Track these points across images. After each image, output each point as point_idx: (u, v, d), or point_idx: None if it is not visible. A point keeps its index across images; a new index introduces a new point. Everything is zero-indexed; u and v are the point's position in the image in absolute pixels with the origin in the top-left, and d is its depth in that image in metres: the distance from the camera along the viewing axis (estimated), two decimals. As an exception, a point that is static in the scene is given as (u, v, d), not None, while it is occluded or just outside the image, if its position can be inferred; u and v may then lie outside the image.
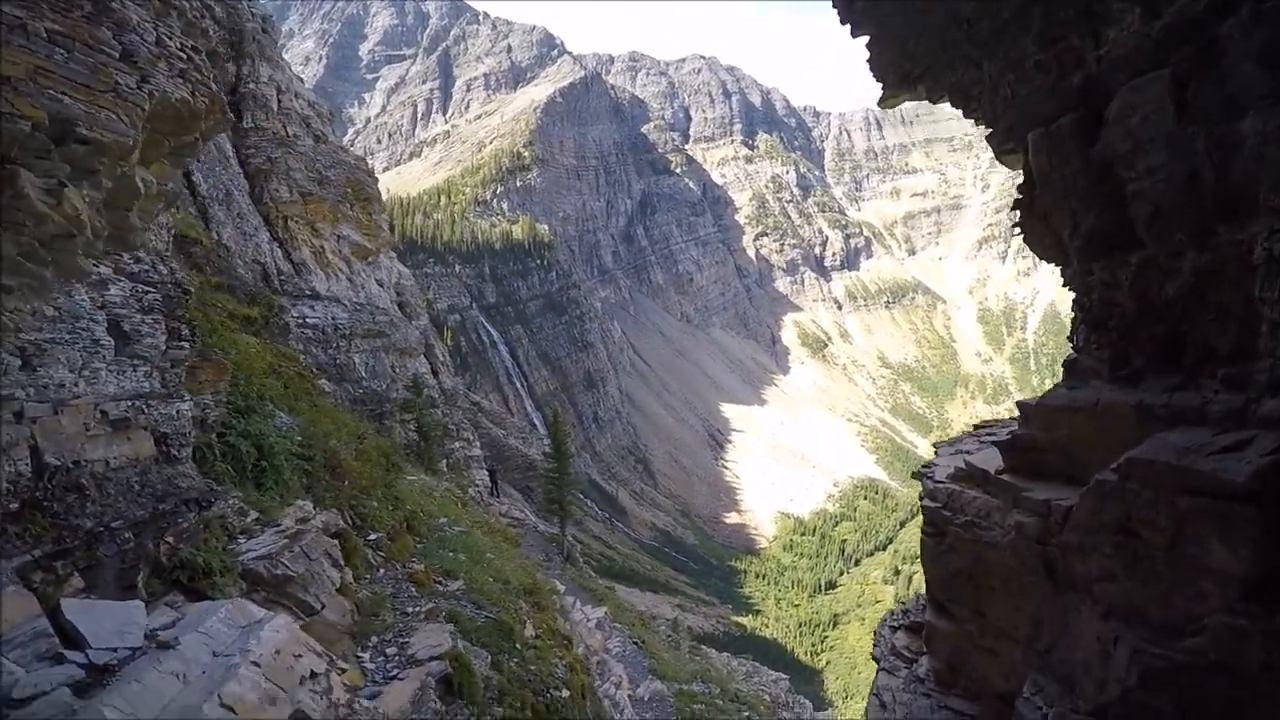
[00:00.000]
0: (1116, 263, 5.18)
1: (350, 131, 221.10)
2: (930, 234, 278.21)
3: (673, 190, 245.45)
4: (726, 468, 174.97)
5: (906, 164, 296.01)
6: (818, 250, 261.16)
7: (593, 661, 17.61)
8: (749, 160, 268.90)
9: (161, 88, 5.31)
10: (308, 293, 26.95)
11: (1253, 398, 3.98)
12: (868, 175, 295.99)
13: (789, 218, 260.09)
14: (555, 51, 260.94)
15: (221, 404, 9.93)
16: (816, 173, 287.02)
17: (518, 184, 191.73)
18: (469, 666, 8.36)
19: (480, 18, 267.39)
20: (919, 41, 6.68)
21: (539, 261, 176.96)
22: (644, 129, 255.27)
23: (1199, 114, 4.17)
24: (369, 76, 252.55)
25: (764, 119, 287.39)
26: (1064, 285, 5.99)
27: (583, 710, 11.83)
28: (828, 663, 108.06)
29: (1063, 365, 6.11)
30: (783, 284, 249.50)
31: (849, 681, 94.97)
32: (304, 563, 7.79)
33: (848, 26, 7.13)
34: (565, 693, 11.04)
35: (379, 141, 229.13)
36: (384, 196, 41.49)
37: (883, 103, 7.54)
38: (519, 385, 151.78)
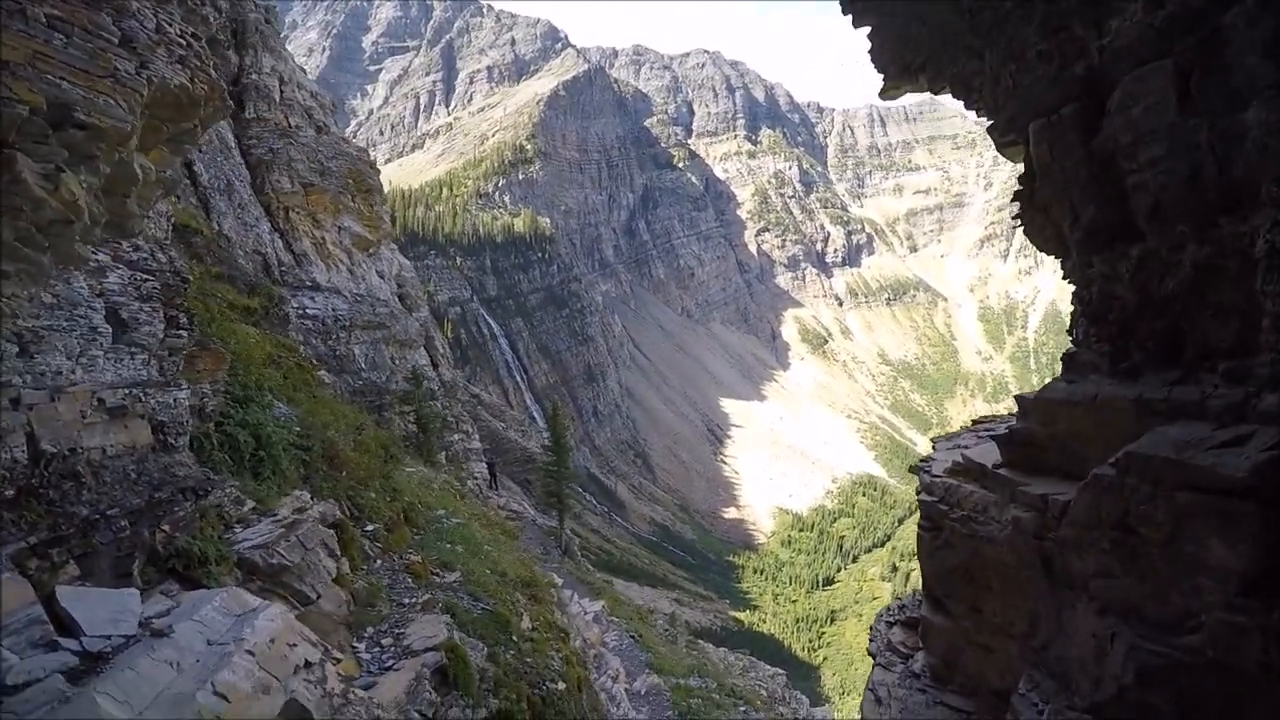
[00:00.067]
0: (1117, 255, 5.14)
1: (353, 123, 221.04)
2: (932, 231, 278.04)
3: (675, 185, 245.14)
4: (725, 463, 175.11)
5: (909, 161, 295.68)
6: (819, 246, 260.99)
7: (590, 655, 17.62)
8: (752, 155, 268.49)
9: (160, 74, 5.28)
10: (308, 284, 26.91)
11: (1253, 392, 3.95)
12: (870, 172, 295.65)
13: (791, 213, 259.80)
14: (559, 44, 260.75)
15: (219, 393, 9.92)
16: (819, 169, 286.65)
17: (520, 177, 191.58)
18: (464, 658, 8.36)
19: (484, 10, 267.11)
20: (920, 31, 6.64)
21: (540, 255, 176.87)
22: (647, 123, 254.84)
23: (1202, 105, 4.14)
24: (372, 68, 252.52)
25: (767, 114, 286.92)
26: (1064, 278, 5.95)
27: (579, 703, 11.84)
28: (825, 659, 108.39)
29: (1062, 359, 6.08)
30: (784, 280, 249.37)
31: (846, 677, 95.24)
32: (300, 552, 7.79)
33: (849, 18, 7.10)
34: (561, 685, 11.05)
35: (381, 133, 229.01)
36: (386, 188, 41.41)
37: (884, 94, 7.50)
38: (519, 378, 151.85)
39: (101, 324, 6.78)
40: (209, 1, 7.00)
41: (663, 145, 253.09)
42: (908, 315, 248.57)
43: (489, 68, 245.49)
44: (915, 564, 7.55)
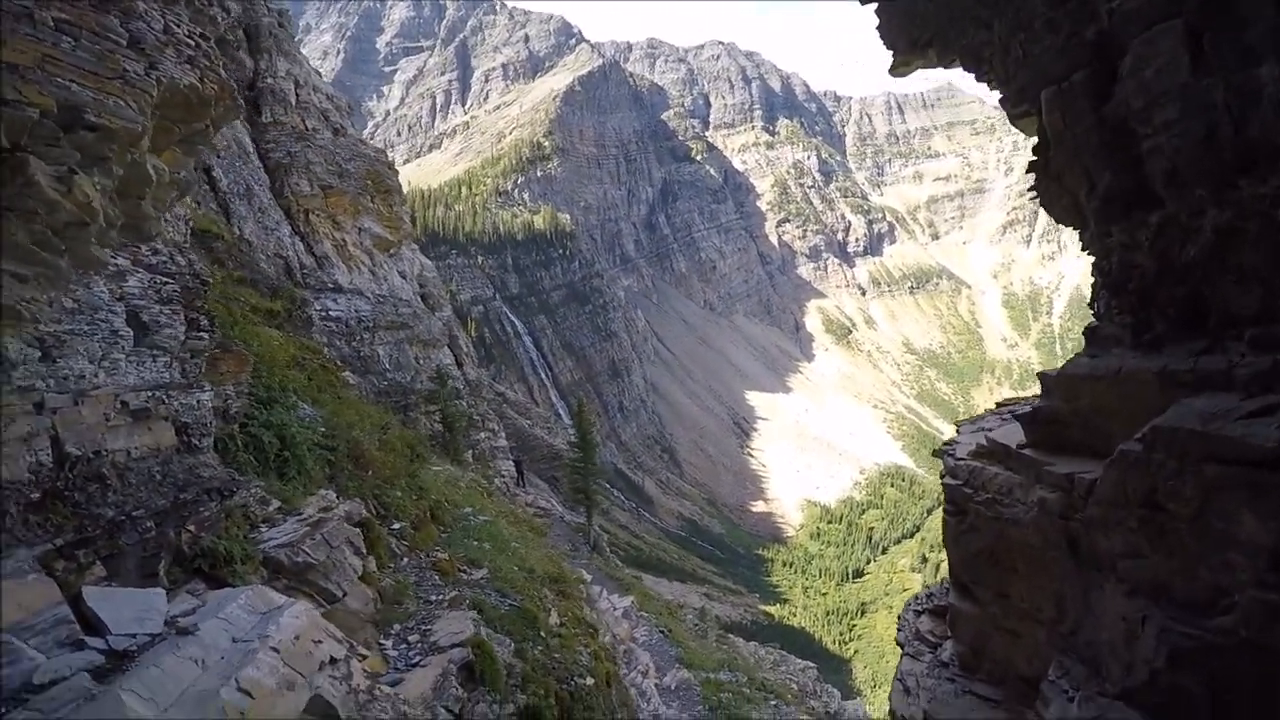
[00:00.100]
0: (1135, 223, 5.00)
1: (369, 125, 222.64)
2: (953, 218, 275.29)
3: (694, 178, 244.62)
4: (752, 456, 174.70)
5: (928, 148, 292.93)
6: (840, 236, 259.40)
7: (619, 650, 17.63)
8: (770, 146, 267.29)
9: (169, 74, 5.30)
10: (330, 286, 27.11)
11: (1281, 359, 3.82)
12: (889, 160, 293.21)
13: (811, 203, 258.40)
14: (573, 40, 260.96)
15: (243, 395, 10.00)
16: (838, 158, 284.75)
17: (538, 174, 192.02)
18: (491, 653, 8.36)
19: (497, 7, 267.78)
20: (927, 5, 6.50)
21: (561, 251, 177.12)
22: (664, 116, 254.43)
23: (1215, 63, 4.00)
24: (387, 69, 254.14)
25: (784, 104, 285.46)
26: (1083, 249, 5.81)
27: (607, 698, 11.83)
28: (856, 651, 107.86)
29: (1084, 333, 5.93)
30: (806, 270, 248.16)
31: (877, 670, 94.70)
32: (325, 550, 7.82)
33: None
34: (590, 680, 11.03)
35: (398, 134, 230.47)
36: (405, 189, 41.60)
37: (894, 70, 7.36)
38: (543, 375, 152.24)
39: (123, 327, 6.83)
40: (217, 2, 7.02)
41: (680, 138, 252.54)
42: (931, 303, 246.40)
43: (504, 65, 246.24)
44: (945, 554, 7.43)
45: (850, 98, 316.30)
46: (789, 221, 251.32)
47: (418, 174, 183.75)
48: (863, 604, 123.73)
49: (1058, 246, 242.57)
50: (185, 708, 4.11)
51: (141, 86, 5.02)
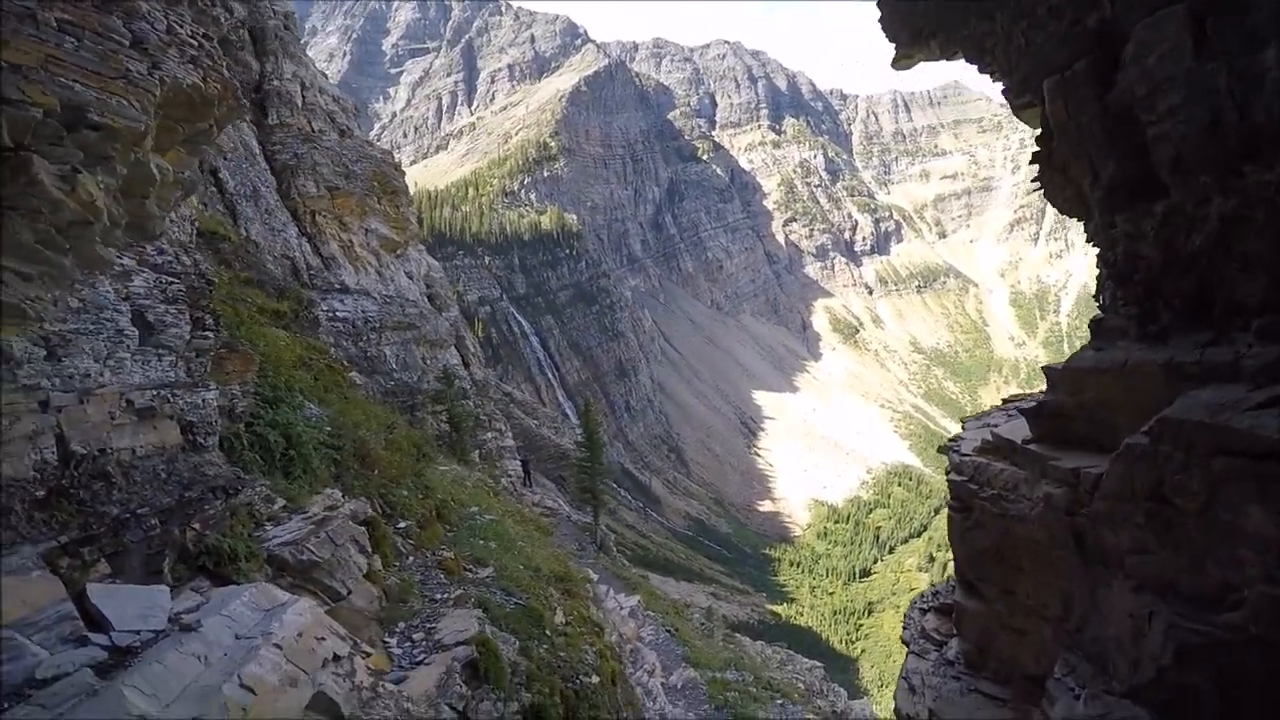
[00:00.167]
0: (1140, 213, 4.94)
1: (376, 126, 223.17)
2: (960, 217, 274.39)
3: (700, 177, 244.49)
4: (759, 455, 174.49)
5: (935, 146, 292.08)
6: (847, 235, 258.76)
7: (626, 649, 17.64)
8: (776, 145, 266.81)
9: (172, 74, 5.32)
10: (337, 286, 27.20)
11: (1288, 349, 3.78)
12: (896, 158, 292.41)
13: (818, 202, 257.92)
14: (579, 40, 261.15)
15: (249, 394, 10.04)
16: (844, 156, 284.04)
17: (545, 174, 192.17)
18: (496, 651, 8.37)
19: (502, 8, 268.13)
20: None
21: (568, 251, 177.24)
22: (670, 116, 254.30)
23: (1219, 48, 3.95)
24: (393, 71, 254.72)
25: (790, 103, 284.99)
26: (1087, 240, 5.76)
27: (613, 696, 11.83)
28: (863, 651, 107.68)
29: (1089, 325, 5.89)
30: (813, 269, 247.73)
31: (884, 669, 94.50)
32: (330, 548, 7.84)
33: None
34: (595, 679, 11.03)
35: (405, 135, 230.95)
36: (411, 190, 41.71)
37: (896, 63, 7.33)
38: (550, 375, 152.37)
39: (128, 327, 6.87)
40: (219, 3, 7.05)
41: (686, 138, 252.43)
42: (938, 302, 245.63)
43: (510, 66, 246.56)
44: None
45: (857, 96, 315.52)
46: (796, 221, 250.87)
47: (424, 175, 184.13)
48: (870, 603, 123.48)
49: (1065, 244, 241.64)
50: (187, 704, 4.12)
51: (144, 86, 5.04)
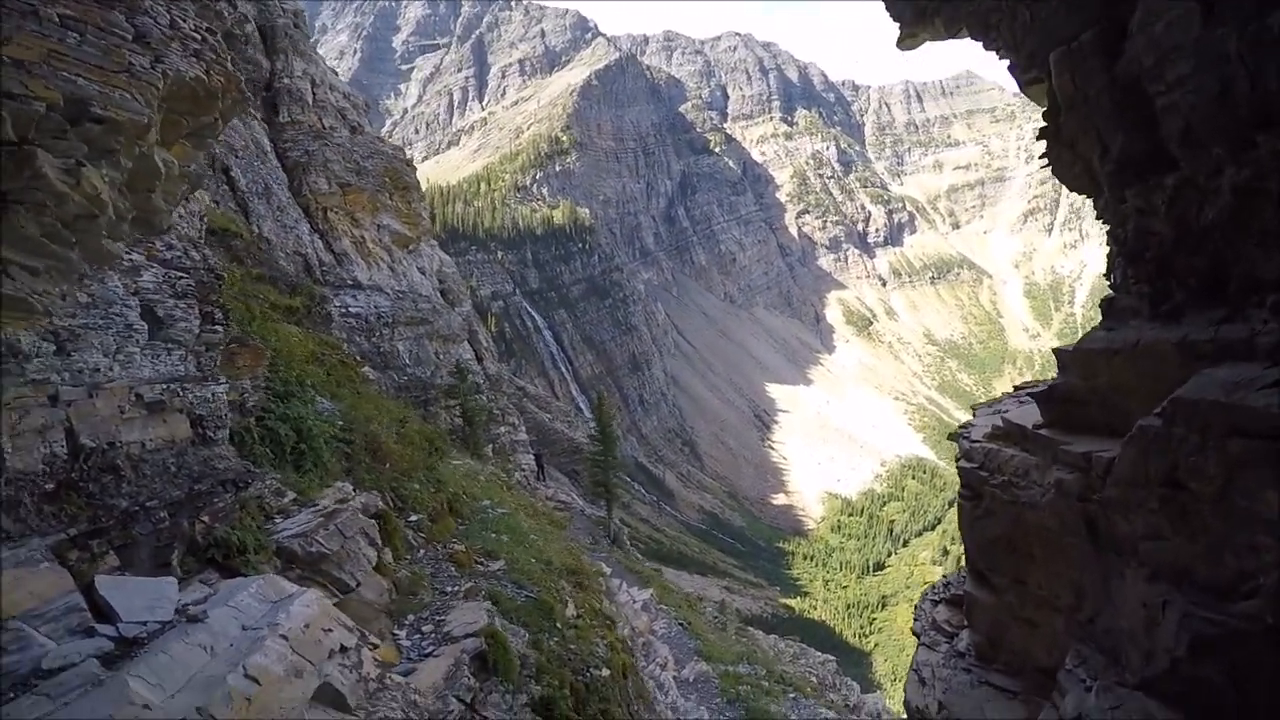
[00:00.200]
0: (1150, 187, 4.84)
1: (388, 123, 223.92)
2: (974, 207, 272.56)
3: (712, 170, 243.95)
4: (773, 448, 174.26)
5: (948, 136, 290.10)
6: (860, 226, 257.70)
7: (638, 642, 17.63)
8: (788, 137, 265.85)
9: (175, 67, 5.33)
10: (349, 282, 27.31)
11: (1306, 324, 3.68)
12: (909, 149, 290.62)
13: (830, 194, 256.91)
14: (589, 34, 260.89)
15: (260, 389, 10.08)
16: (857, 148, 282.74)
17: (557, 169, 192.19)
18: (505, 644, 8.38)
19: (512, 4, 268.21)
20: (933, -30, 6.39)
21: (581, 245, 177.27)
22: (681, 109, 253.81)
23: (1228, 13, 3.84)
24: (404, 67, 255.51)
25: (802, 95, 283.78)
26: (1097, 217, 5.65)
27: (624, 689, 11.83)
28: (876, 645, 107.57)
29: (1100, 305, 5.78)
30: (826, 261, 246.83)
31: (897, 663, 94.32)
32: (339, 541, 7.86)
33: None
34: (606, 672, 11.02)
35: (416, 132, 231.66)
36: (423, 186, 41.83)
37: (901, 43, 7.24)
38: (564, 369, 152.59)
39: (137, 321, 6.89)
40: (224, -5, 7.06)
41: (698, 130, 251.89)
42: (952, 294, 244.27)
43: (520, 61, 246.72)
44: (963, 544, 7.34)
45: (868, 87, 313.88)
46: (809, 213, 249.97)
47: (436, 171, 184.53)
48: (883, 597, 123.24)
49: (1079, 235, 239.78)
50: (191, 693, 4.14)
51: (147, 79, 5.05)
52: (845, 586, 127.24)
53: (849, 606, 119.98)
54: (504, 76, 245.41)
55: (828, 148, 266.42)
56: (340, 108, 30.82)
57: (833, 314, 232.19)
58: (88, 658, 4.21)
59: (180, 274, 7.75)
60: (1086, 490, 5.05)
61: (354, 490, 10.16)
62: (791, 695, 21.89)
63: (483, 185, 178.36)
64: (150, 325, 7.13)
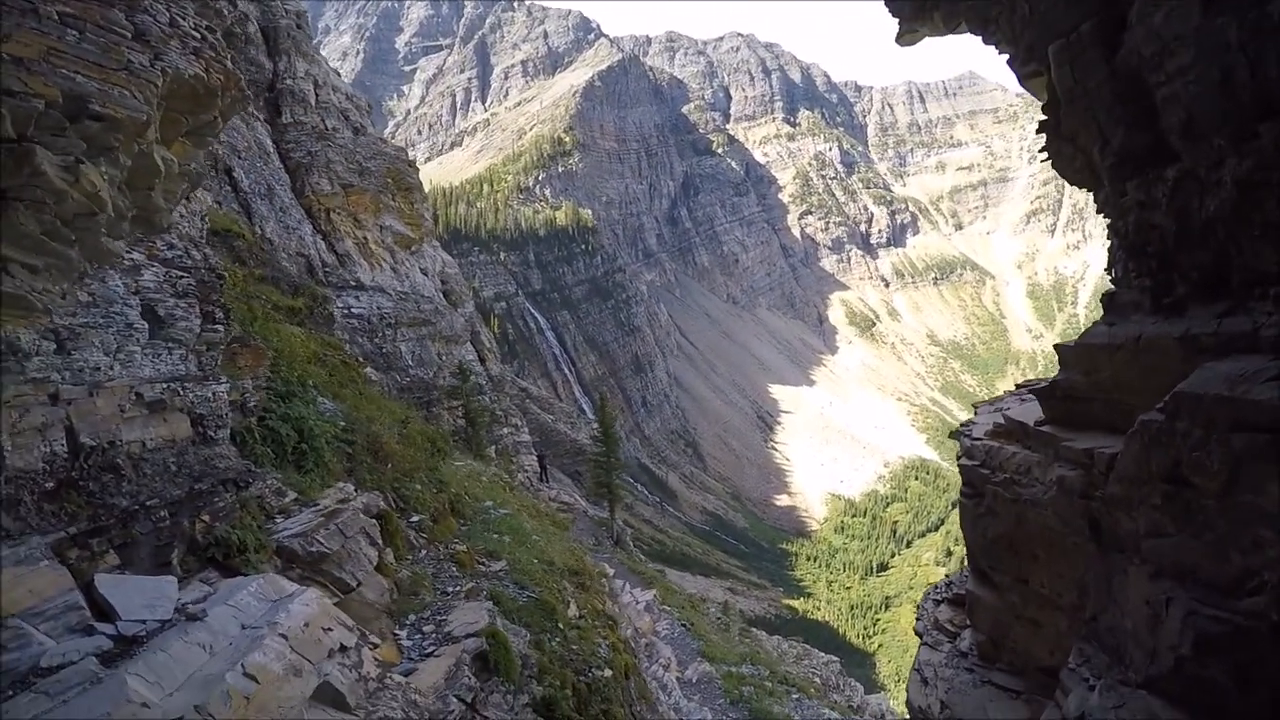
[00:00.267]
0: (1151, 180, 4.79)
1: (390, 124, 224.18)
2: (977, 208, 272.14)
3: (715, 171, 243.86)
4: (776, 449, 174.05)
5: (951, 137, 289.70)
6: (863, 227, 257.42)
7: (640, 643, 17.62)
8: (791, 138, 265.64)
9: (175, 65, 5.32)
10: (352, 283, 27.30)
11: (1310, 317, 3.64)
12: (911, 150, 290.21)
13: (833, 195, 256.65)
14: (592, 35, 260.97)
15: (261, 389, 10.08)
16: (860, 148, 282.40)
17: (559, 169, 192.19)
18: (506, 644, 8.36)
19: (515, 5, 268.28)
20: (932, -37, 6.37)
21: (583, 246, 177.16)
22: (684, 110, 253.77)
23: (1228, 1, 3.82)
24: (407, 69, 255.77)
25: (805, 95, 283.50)
26: (1098, 211, 5.61)
27: (626, 690, 11.80)
28: (880, 645, 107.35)
29: (1101, 300, 5.73)
30: (829, 262, 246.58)
31: (901, 664, 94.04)
32: (340, 540, 7.85)
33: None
34: (608, 672, 11.00)
35: (419, 133, 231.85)
36: (426, 187, 41.78)
37: (900, 39, 7.21)
38: (567, 371, 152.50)
39: (138, 320, 6.89)
40: (225, -6, 7.05)
41: (701, 131, 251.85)
42: (955, 295, 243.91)
43: (523, 62, 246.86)
44: (965, 544, 7.30)
45: (871, 88, 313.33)
46: (811, 213, 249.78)
47: (439, 172, 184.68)
48: (887, 598, 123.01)
49: (1083, 235, 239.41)
50: (190, 691, 4.13)
51: (146, 77, 5.05)
52: (848, 587, 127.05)
53: (852, 607, 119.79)
54: (507, 77, 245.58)
55: (830, 148, 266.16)
56: (343, 109, 30.83)
57: (835, 315, 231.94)
58: (87, 656, 4.21)
59: (181, 273, 7.74)
60: (1089, 487, 5.01)
61: (355, 490, 10.14)
62: (795, 696, 21.85)
63: (485, 186, 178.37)
64: (151, 324, 7.12)
